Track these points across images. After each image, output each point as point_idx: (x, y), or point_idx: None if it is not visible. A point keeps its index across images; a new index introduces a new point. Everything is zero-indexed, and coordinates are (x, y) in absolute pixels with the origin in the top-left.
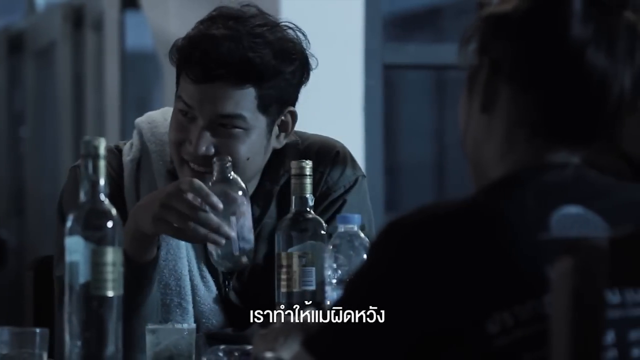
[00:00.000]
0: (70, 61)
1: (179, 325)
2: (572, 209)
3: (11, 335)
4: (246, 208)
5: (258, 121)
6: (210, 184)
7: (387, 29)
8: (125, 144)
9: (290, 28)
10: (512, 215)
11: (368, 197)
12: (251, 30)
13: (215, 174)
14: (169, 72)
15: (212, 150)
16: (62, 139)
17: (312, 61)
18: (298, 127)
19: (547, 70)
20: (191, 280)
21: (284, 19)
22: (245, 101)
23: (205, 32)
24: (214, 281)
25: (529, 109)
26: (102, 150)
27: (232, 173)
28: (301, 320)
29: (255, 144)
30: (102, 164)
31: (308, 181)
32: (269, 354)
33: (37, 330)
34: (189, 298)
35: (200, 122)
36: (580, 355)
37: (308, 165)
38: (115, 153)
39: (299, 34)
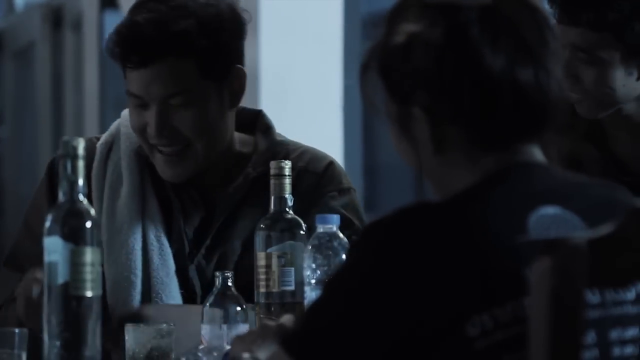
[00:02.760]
0: (49, 61)
1: (157, 325)
2: (549, 210)
3: None
4: (243, 326)
5: (206, 88)
6: (212, 297)
7: (366, 29)
8: None
9: None
10: (489, 217)
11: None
12: (173, 4)
13: (216, 287)
14: None
15: (171, 128)
16: (41, 138)
17: (245, 15)
18: (278, 129)
19: (488, 105)
20: (145, 254)
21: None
22: (186, 75)
23: (130, 19)
24: (178, 255)
25: (484, 137)
26: (81, 150)
27: (233, 288)
28: (279, 324)
29: (211, 111)
30: (80, 163)
31: (287, 181)
32: (246, 355)
33: (16, 330)
34: (138, 272)
35: (153, 106)
36: (560, 356)
37: (287, 165)
38: (92, 141)
39: None
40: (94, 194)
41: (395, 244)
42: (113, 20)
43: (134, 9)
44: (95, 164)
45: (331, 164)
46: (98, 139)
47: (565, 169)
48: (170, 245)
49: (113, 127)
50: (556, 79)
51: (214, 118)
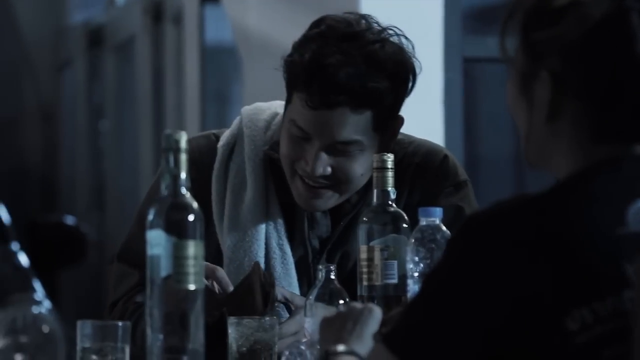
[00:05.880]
0: (150, 55)
1: (260, 318)
2: None
3: (93, 328)
4: None
5: (373, 140)
6: (315, 290)
7: (467, 21)
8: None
9: (396, 34)
10: (589, 210)
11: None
12: (366, 53)
13: (319, 280)
14: (248, 66)
15: (329, 170)
16: (142, 132)
17: (417, 66)
18: None
19: (620, 89)
20: (267, 261)
21: (389, 24)
22: (362, 125)
23: (321, 59)
24: (301, 262)
25: (602, 118)
26: (183, 144)
27: (336, 282)
28: (366, 305)
29: (368, 160)
30: (183, 157)
31: (390, 174)
32: (340, 347)
33: (119, 323)
34: None
35: (317, 143)
36: None
37: (389, 158)
38: (211, 139)
39: (403, 40)
40: (214, 197)
41: (492, 239)
42: (214, 14)
43: (320, 40)
44: (217, 166)
45: (446, 157)
46: (216, 135)
47: None
48: (293, 253)
49: (234, 126)
50: None
51: (368, 167)
